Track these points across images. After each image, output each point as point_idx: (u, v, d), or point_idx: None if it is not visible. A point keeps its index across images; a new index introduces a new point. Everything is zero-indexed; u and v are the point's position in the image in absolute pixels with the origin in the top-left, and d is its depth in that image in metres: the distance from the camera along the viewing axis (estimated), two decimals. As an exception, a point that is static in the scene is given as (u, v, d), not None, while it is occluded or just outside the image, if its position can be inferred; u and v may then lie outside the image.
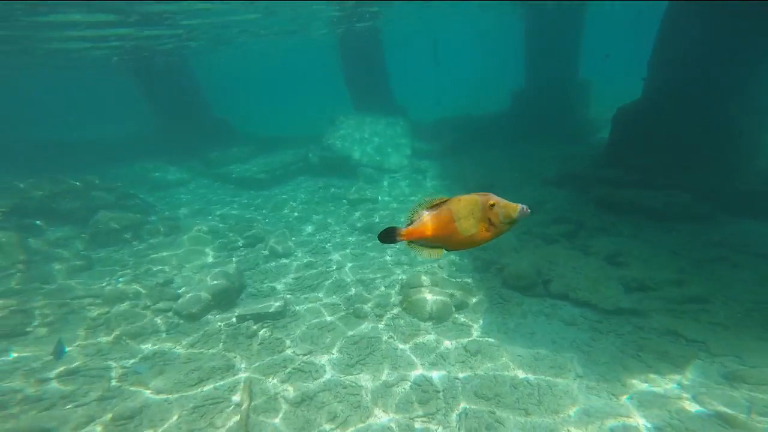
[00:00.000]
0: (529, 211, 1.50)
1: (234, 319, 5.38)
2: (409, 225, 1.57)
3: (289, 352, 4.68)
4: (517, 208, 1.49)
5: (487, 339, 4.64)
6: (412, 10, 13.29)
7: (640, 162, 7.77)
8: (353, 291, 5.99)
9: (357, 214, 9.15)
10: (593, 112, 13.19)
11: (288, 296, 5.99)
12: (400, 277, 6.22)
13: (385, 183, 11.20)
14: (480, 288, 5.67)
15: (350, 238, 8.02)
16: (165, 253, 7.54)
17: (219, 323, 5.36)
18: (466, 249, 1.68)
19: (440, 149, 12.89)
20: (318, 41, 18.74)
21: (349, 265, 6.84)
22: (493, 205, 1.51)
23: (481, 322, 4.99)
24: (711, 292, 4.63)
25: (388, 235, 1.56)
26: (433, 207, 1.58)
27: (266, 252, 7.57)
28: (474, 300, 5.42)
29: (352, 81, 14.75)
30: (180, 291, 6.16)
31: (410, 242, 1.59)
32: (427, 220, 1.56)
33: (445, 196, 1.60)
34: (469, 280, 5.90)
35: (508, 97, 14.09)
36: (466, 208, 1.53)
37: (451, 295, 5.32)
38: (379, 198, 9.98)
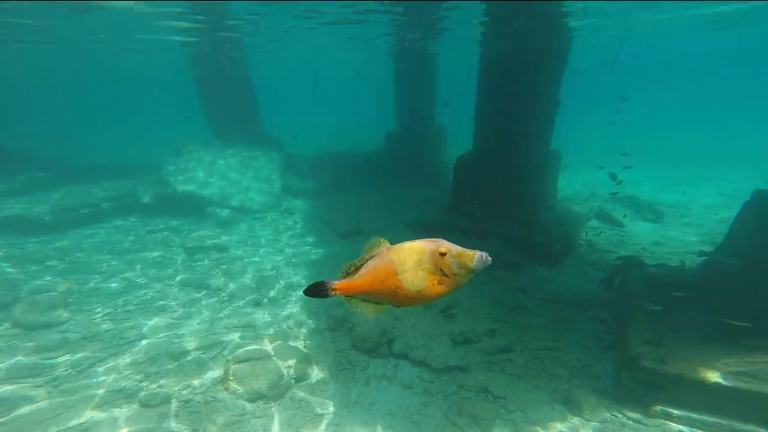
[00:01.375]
0: (489, 259, 1.35)
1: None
2: (344, 278, 1.37)
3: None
4: (473, 255, 1.33)
5: (325, 417, 4.31)
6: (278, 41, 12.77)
7: (476, 210, 9.14)
8: (157, 368, 4.85)
9: (194, 266, 7.79)
10: (449, 157, 15.23)
11: (39, 386, 4.39)
12: (232, 345, 5.40)
13: (244, 226, 10.06)
14: (328, 351, 5.39)
15: (175, 295, 6.69)
16: None
17: None
18: (417, 305, 1.48)
19: (317, 187, 12.54)
20: (172, 52, 16.17)
21: (161, 332, 5.61)
22: (444, 254, 1.33)
23: (322, 395, 4.66)
24: (513, 340, 5.52)
25: (318, 290, 1.33)
26: (371, 257, 1.37)
27: (6, 324, 5.53)
28: (318, 368, 5.08)
29: (210, 104, 13.02)
30: None
31: (347, 297, 1.38)
32: (363, 273, 1.35)
33: (385, 242, 1.40)
34: (318, 343, 5.56)
35: (383, 136, 15.00)
36: (412, 258, 1.33)
37: (290, 367, 4.85)
38: (230, 246, 8.80)
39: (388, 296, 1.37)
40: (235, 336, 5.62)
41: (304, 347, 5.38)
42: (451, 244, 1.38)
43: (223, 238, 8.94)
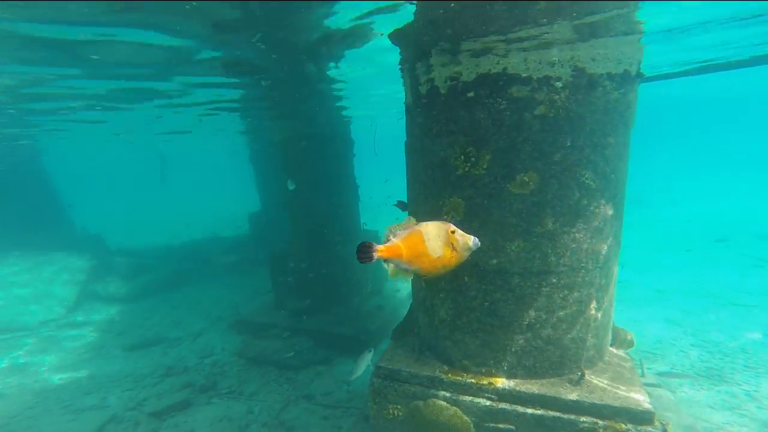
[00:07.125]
0: (479, 242, 1.85)
1: None
2: (386, 242, 1.74)
3: None
4: (472, 237, 1.82)
5: None
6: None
7: (295, 305, 8.55)
8: None
9: None
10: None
11: None
12: None
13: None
14: None
15: None
16: None
17: None
18: (434, 274, 1.79)
19: (140, 289, 10.91)
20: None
21: None
22: (453, 232, 1.80)
23: None
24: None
25: (366, 251, 1.66)
26: (404, 229, 1.78)
27: None
28: None
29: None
30: None
31: (386, 260, 1.73)
32: (400, 239, 1.74)
33: (412, 221, 1.83)
34: None
35: (246, 220, 14.11)
36: (434, 231, 1.77)
37: None
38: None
39: (417, 260, 1.73)
40: None
41: None
42: (455, 227, 1.82)
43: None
